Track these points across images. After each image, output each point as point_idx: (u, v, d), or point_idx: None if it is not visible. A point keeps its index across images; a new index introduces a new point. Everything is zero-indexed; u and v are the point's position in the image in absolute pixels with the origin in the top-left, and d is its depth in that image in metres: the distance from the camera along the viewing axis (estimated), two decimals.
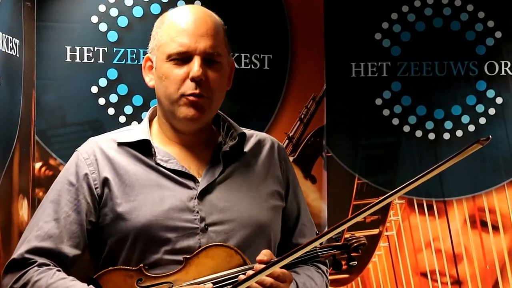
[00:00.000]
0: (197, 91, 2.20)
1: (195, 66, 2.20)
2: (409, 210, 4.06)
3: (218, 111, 2.36)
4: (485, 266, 4.02)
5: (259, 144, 2.39)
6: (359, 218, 1.96)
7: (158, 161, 2.25)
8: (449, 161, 1.90)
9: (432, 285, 4.05)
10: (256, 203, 2.28)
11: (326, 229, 2.50)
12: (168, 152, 2.27)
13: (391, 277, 4.08)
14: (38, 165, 3.70)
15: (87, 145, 2.31)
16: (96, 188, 2.23)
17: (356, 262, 2.23)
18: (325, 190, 4.06)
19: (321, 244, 2.26)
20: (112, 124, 3.75)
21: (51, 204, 2.24)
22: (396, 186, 1.93)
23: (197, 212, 2.20)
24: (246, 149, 2.34)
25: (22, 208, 3.49)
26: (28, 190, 3.58)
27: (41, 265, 2.18)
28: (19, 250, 2.21)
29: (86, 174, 2.24)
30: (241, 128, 2.36)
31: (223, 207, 2.23)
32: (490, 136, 1.87)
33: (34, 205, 3.63)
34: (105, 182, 2.23)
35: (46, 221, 2.22)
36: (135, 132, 2.31)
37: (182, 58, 2.22)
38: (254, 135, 2.40)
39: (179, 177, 2.24)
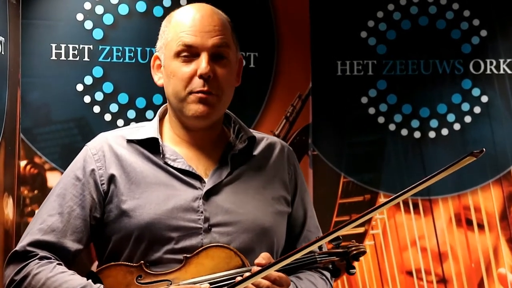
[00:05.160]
0: (205, 88, 2.19)
1: (202, 63, 2.19)
2: (394, 208, 4.06)
3: (230, 112, 2.36)
4: (471, 264, 4.03)
5: (269, 147, 2.37)
6: (354, 224, 1.94)
7: (166, 160, 2.24)
8: (441, 173, 1.88)
9: (418, 284, 4.06)
10: (261, 207, 2.27)
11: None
12: (176, 151, 2.27)
13: (377, 275, 4.09)
14: (23, 163, 3.69)
15: (96, 141, 2.31)
16: (102, 184, 2.23)
17: (355, 270, 2.22)
18: (310, 189, 4.06)
19: (320, 250, 2.26)
20: (98, 122, 3.75)
21: (56, 198, 2.24)
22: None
23: (202, 212, 2.20)
24: (256, 152, 2.34)
25: (7, 206, 3.48)
26: (13, 188, 3.57)
27: (42, 258, 2.18)
28: (22, 242, 2.21)
29: (93, 170, 2.24)
30: (252, 131, 2.35)
31: (228, 208, 2.22)
32: (484, 149, 1.85)
33: (19, 203, 3.61)
34: (112, 178, 2.23)
35: (50, 215, 2.22)
36: (145, 129, 2.31)
37: (190, 55, 2.21)
38: (264, 139, 2.39)
39: (186, 176, 2.23)
